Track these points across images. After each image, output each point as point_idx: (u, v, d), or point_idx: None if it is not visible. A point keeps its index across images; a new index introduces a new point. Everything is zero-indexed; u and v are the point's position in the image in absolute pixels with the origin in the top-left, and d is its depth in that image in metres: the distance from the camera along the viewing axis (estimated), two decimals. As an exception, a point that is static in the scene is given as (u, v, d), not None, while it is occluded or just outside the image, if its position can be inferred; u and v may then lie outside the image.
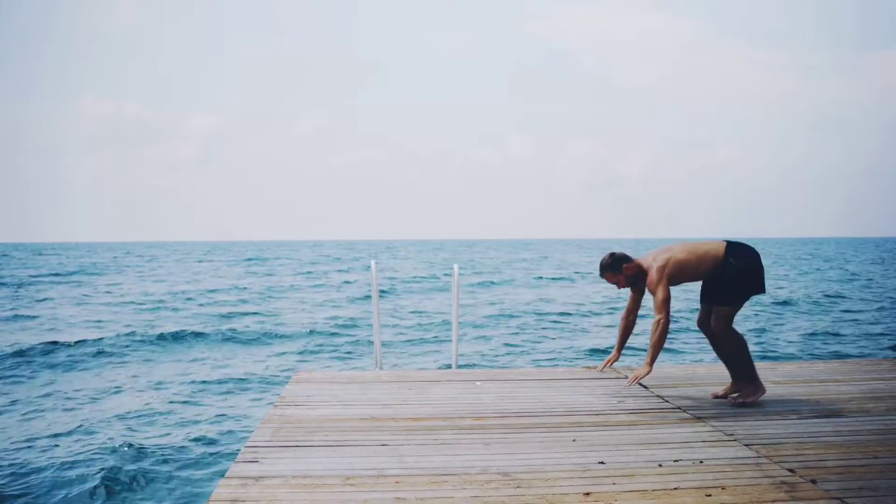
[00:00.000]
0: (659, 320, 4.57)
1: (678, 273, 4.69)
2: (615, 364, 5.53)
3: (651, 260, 4.78)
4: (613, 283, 4.91)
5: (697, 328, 4.99)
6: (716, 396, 4.89)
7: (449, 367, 8.95)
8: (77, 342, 14.87)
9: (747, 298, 4.76)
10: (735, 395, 4.82)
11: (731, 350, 4.80)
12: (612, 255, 4.90)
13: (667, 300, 4.61)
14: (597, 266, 5.07)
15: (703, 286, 4.86)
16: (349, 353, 14.68)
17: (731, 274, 4.65)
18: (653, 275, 4.68)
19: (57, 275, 40.74)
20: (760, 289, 4.73)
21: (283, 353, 14.54)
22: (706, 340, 5.00)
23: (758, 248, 4.88)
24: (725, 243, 4.75)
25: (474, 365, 12.58)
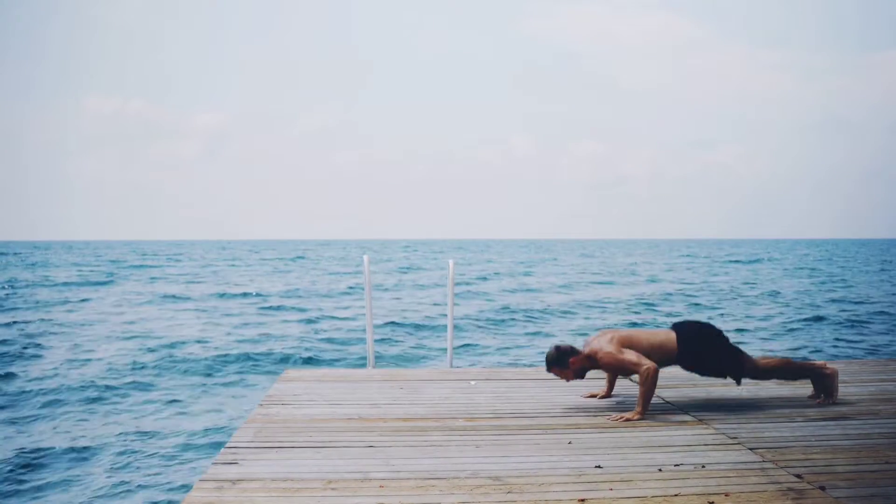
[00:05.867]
0: (647, 369, 4.23)
1: (628, 346, 4.37)
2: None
3: (595, 344, 4.42)
4: (561, 378, 4.53)
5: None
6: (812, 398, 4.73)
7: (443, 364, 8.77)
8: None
9: (739, 354, 4.53)
10: (820, 398, 4.65)
11: (781, 376, 4.73)
12: (558, 348, 4.47)
13: (638, 356, 4.29)
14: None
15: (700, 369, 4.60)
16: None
17: (695, 357, 4.47)
18: (606, 351, 4.33)
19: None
20: (726, 352, 4.51)
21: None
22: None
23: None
24: (674, 332, 4.49)
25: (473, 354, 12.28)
